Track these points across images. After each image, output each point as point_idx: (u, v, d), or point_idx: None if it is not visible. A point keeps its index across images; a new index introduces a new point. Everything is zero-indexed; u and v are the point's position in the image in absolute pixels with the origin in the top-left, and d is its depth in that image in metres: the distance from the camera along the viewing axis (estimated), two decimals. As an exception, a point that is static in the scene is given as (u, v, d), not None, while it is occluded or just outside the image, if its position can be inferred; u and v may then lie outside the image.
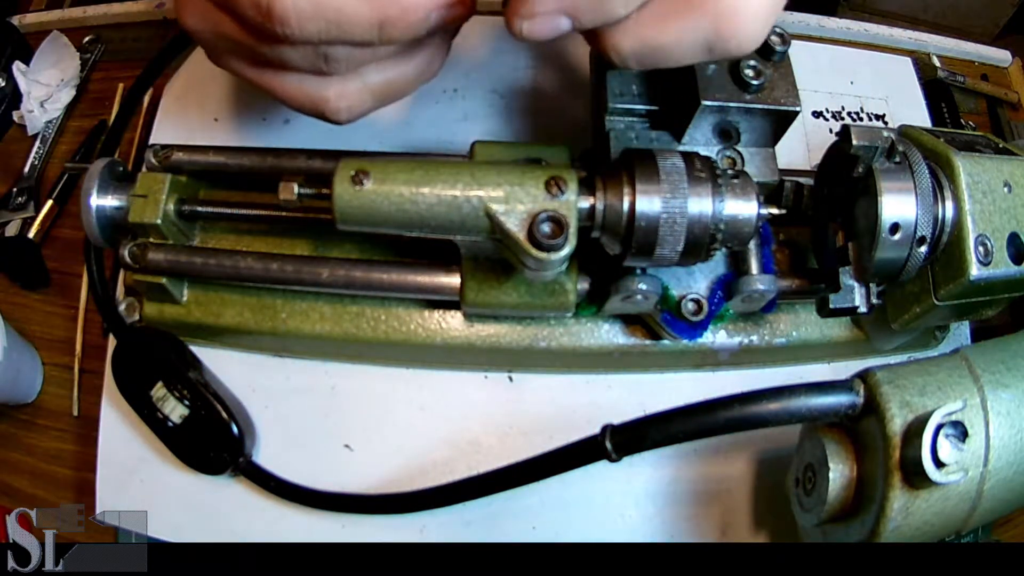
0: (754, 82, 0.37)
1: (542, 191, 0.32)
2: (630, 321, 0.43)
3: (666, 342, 0.43)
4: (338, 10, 0.28)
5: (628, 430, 0.34)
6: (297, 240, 0.44)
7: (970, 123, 0.61)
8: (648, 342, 0.43)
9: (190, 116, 0.52)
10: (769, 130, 0.39)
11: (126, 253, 0.40)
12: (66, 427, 0.49)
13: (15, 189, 0.55)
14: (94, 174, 0.40)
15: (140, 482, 0.43)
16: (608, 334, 0.43)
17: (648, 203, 0.32)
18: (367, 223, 0.34)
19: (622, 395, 0.46)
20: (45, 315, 0.52)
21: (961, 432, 0.30)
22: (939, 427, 0.29)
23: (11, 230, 0.54)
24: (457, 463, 0.43)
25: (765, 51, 0.38)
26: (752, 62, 0.37)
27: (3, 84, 0.59)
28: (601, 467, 0.35)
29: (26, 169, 0.56)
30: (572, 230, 0.32)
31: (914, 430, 0.30)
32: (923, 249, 0.35)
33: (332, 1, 0.27)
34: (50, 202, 0.55)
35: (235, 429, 0.41)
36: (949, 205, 0.35)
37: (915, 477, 0.30)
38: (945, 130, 0.40)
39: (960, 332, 0.49)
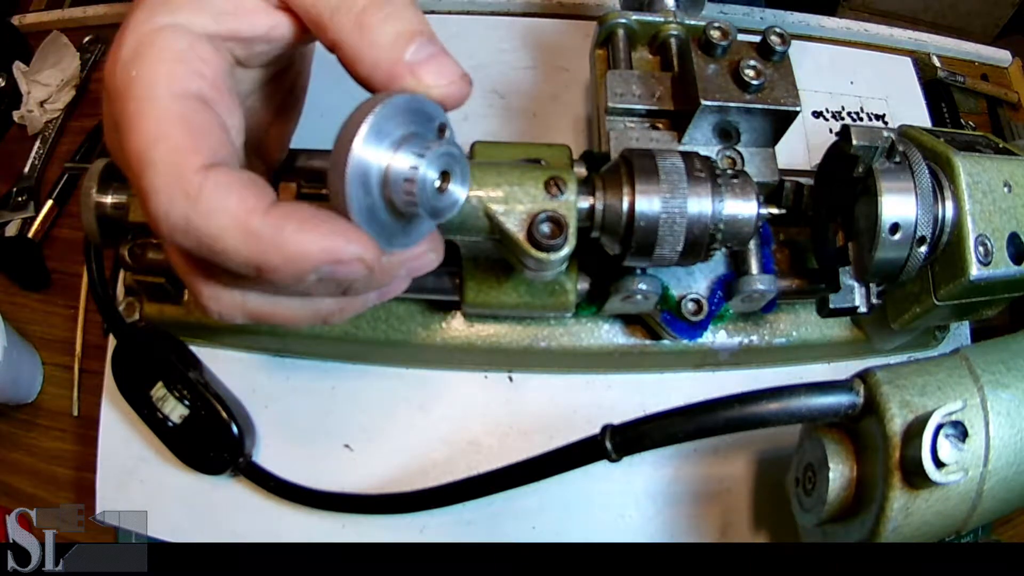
0: (754, 82, 0.37)
1: (541, 191, 0.32)
2: (630, 321, 0.43)
3: (666, 342, 0.43)
4: (213, 237, 0.24)
5: (628, 430, 0.34)
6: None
7: (970, 123, 0.61)
8: (648, 342, 0.43)
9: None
10: (769, 130, 0.39)
11: (126, 253, 0.40)
12: (66, 427, 0.49)
13: (15, 189, 0.55)
14: (94, 174, 0.40)
15: (140, 482, 0.43)
16: (608, 334, 0.43)
17: (647, 203, 0.32)
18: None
19: (622, 395, 0.46)
20: (45, 315, 0.52)
21: (961, 432, 0.30)
22: (939, 427, 0.29)
23: (11, 230, 0.54)
24: (457, 463, 0.43)
25: (765, 51, 0.38)
26: (752, 62, 0.37)
27: (3, 84, 0.59)
28: (601, 467, 0.35)
29: (26, 169, 0.56)
30: (571, 230, 0.32)
31: (914, 430, 0.30)
32: (923, 249, 0.35)
33: (207, 227, 0.24)
34: (50, 202, 0.55)
35: (235, 429, 0.41)
36: (949, 205, 0.35)
37: (915, 477, 0.30)
38: (945, 130, 0.40)
39: (960, 332, 0.49)
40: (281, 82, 0.33)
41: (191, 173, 0.24)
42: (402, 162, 0.24)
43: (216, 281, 0.28)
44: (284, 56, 0.30)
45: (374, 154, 0.24)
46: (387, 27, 0.26)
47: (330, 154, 0.24)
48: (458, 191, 0.26)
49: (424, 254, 0.29)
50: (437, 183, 0.25)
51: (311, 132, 0.37)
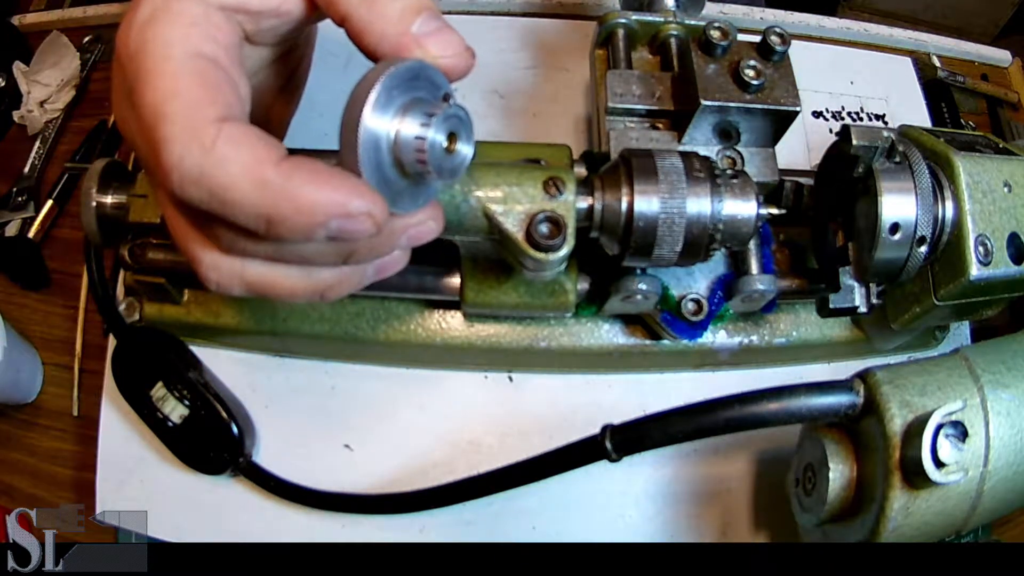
0: (754, 82, 0.37)
1: (540, 191, 0.32)
2: (630, 321, 0.43)
3: (666, 342, 0.43)
4: (225, 187, 0.24)
5: (628, 430, 0.34)
6: (297, 240, 0.44)
7: (970, 123, 0.61)
8: (648, 342, 0.43)
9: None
10: (769, 130, 0.39)
11: (126, 253, 0.41)
12: (66, 427, 0.49)
13: (15, 189, 0.55)
14: (94, 174, 0.40)
15: (140, 482, 0.43)
16: (608, 334, 0.43)
17: (646, 203, 0.32)
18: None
19: (622, 395, 0.46)
20: (45, 315, 0.52)
21: (961, 432, 0.30)
22: (939, 427, 0.29)
23: (11, 230, 0.54)
24: (457, 463, 0.43)
25: (765, 51, 0.38)
26: (752, 62, 0.37)
27: (3, 84, 0.59)
28: (601, 467, 0.35)
29: (26, 169, 0.56)
30: (570, 230, 0.32)
31: (914, 430, 0.30)
32: (923, 249, 0.35)
33: (221, 177, 0.24)
34: (50, 202, 0.55)
35: (235, 429, 0.41)
36: (949, 205, 0.35)
37: (915, 477, 0.30)
38: (945, 130, 0.40)
39: (960, 332, 0.49)
40: (285, 64, 0.33)
41: (206, 124, 0.24)
42: (411, 124, 0.25)
43: (216, 247, 0.28)
44: (290, 35, 0.31)
45: (386, 113, 0.25)
46: (395, 1, 0.27)
47: (341, 117, 0.25)
48: (465, 150, 0.27)
49: (425, 221, 0.30)
50: (445, 144, 0.26)
51: (310, 131, 0.37)
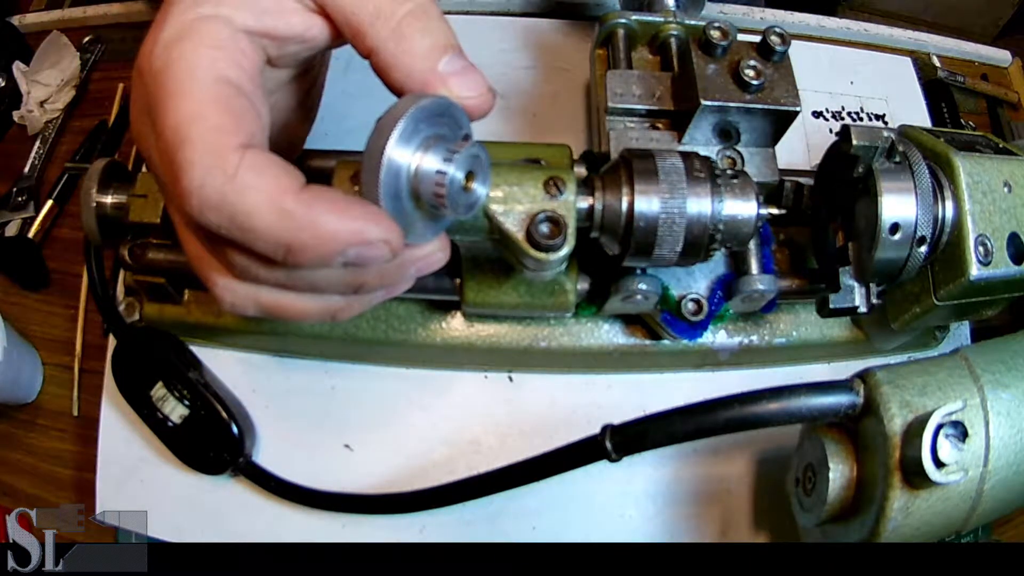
0: (754, 82, 0.37)
1: (540, 191, 0.32)
2: (630, 321, 0.43)
3: (666, 342, 0.43)
4: (246, 215, 0.24)
5: (628, 430, 0.34)
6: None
7: (970, 123, 0.61)
8: (648, 342, 0.43)
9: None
10: (769, 130, 0.39)
11: (126, 253, 0.40)
12: (66, 427, 0.49)
13: (15, 189, 0.55)
14: (94, 174, 0.40)
15: (140, 482, 0.43)
16: (608, 334, 0.43)
17: (647, 203, 0.32)
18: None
19: (622, 395, 0.46)
20: (45, 315, 0.52)
21: (961, 432, 0.30)
22: (939, 427, 0.29)
23: (11, 230, 0.54)
24: (457, 463, 0.43)
25: (765, 51, 0.38)
26: (752, 62, 0.37)
27: (3, 84, 0.59)
28: (601, 467, 0.35)
29: (26, 169, 0.56)
30: (570, 230, 0.32)
31: (914, 430, 0.30)
32: (923, 249, 0.35)
33: (242, 204, 0.24)
34: (50, 202, 0.55)
35: (235, 429, 0.41)
36: (949, 205, 0.35)
37: (915, 477, 0.30)
38: (945, 130, 0.40)
39: (960, 332, 0.49)
40: (301, 84, 0.34)
41: (228, 151, 0.24)
42: (432, 158, 0.26)
43: (232, 270, 0.28)
44: (311, 58, 0.31)
45: (408, 147, 0.26)
46: (423, 39, 0.28)
47: (366, 144, 0.25)
48: (481, 190, 0.28)
49: (434, 253, 0.30)
50: (463, 181, 0.27)
51: (312, 131, 0.37)
